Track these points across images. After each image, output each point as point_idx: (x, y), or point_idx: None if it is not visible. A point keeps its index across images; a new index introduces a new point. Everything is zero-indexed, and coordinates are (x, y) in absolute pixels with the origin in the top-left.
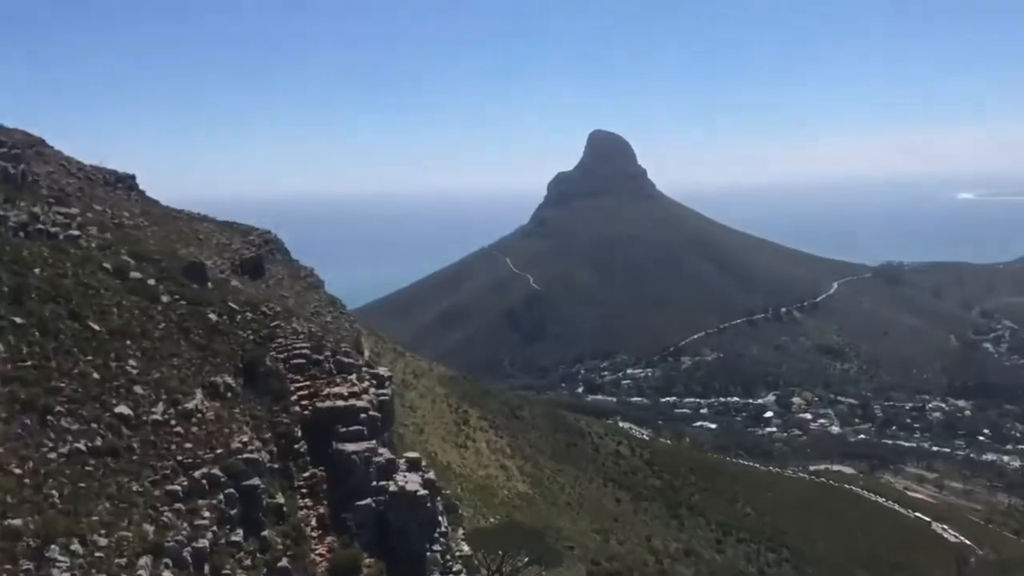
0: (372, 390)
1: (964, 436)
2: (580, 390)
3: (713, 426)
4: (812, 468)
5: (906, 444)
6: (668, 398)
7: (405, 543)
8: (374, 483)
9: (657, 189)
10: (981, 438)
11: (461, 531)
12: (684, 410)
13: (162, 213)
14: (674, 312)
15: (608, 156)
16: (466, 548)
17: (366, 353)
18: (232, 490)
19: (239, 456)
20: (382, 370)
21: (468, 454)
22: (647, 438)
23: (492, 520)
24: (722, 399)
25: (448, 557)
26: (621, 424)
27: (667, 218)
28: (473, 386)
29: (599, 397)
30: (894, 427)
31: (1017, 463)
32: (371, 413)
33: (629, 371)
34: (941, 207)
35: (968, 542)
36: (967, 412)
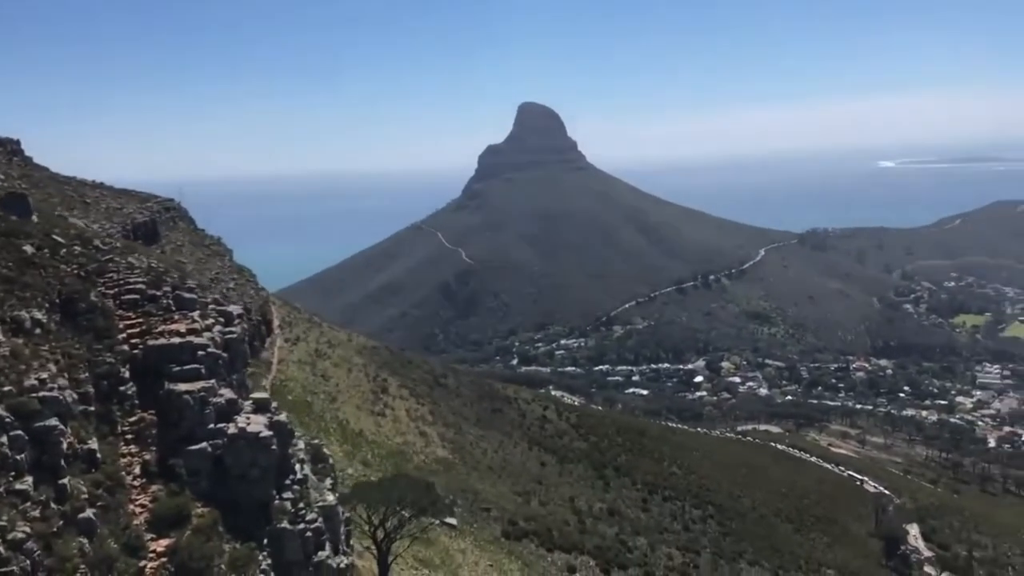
0: (218, 328)
1: (886, 394)
2: (514, 362)
3: (645, 392)
4: (740, 428)
5: (831, 403)
6: (601, 367)
7: (245, 490)
8: (211, 426)
9: (588, 161)
10: (902, 395)
11: (329, 481)
12: (617, 378)
13: (47, 178)
14: (606, 282)
15: (538, 128)
16: (331, 498)
17: (275, 320)
18: (20, 432)
19: (33, 395)
20: (233, 307)
21: (385, 422)
22: (577, 405)
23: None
24: (653, 366)
25: (302, 506)
26: (554, 393)
27: (599, 190)
28: (395, 356)
29: (533, 368)
30: (820, 387)
31: (934, 417)
32: (212, 351)
33: (563, 342)
34: (863, 175)
35: (887, 492)
36: (888, 371)
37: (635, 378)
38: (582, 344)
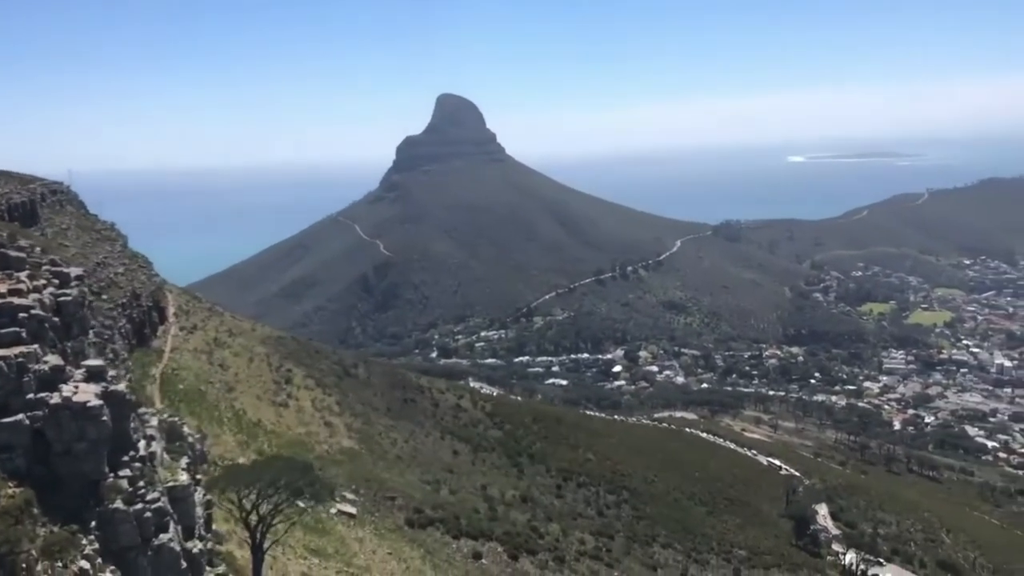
0: (50, 290)
1: (797, 380)
2: (434, 355)
3: (564, 382)
4: (656, 415)
5: (745, 390)
6: (521, 358)
7: (71, 467)
8: (31, 395)
9: (507, 154)
10: (812, 381)
11: (185, 460)
12: (537, 368)
13: None
14: (526, 274)
15: (457, 120)
16: (183, 478)
17: (170, 308)
18: None
19: None
20: (73, 269)
21: (287, 412)
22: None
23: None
24: (573, 356)
25: (143, 485)
26: (473, 385)
27: (518, 182)
28: (302, 346)
29: (453, 360)
30: (734, 375)
31: (843, 402)
32: (37, 313)
33: (483, 333)
34: (774, 170)
35: (798, 474)
36: (800, 358)
37: (555, 368)
38: (502, 336)
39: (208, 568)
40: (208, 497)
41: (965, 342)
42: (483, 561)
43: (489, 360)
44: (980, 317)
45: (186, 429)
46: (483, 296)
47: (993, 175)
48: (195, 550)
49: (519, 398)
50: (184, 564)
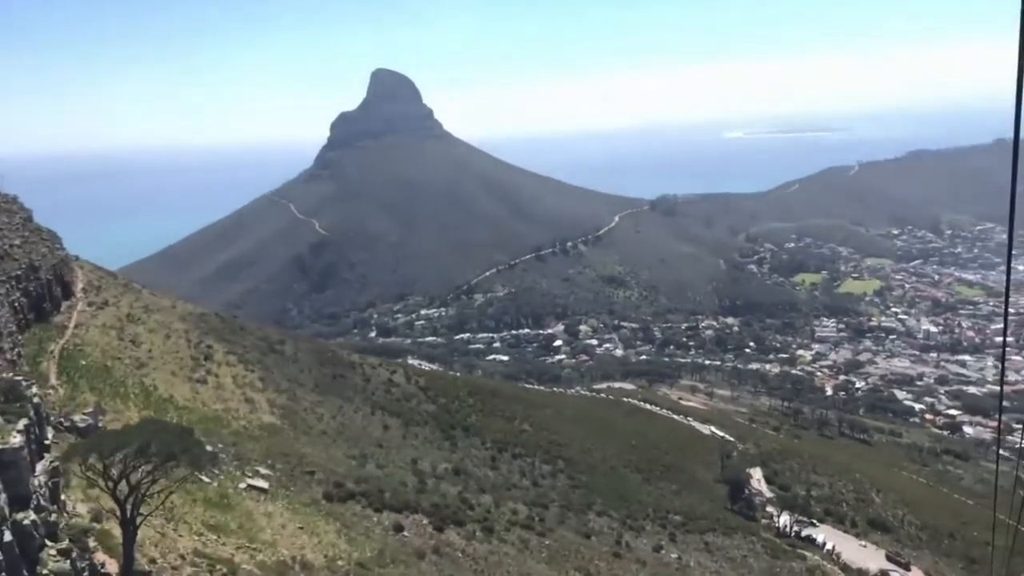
0: None
1: (733, 350)
2: (373, 334)
3: (505, 358)
4: (595, 387)
5: (682, 360)
6: (462, 335)
7: None
8: None
9: (445, 129)
10: (747, 350)
11: (23, 422)
12: (478, 345)
13: None
14: (466, 251)
15: (393, 95)
16: (16, 440)
17: (78, 284)
18: None
19: None
20: None
21: (205, 389)
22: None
23: None
24: (514, 332)
25: None
26: (411, 362)
27: (457, 158)
28: (225, 323)
29: (392, 339)
30: (672, 346)
31: (777, 370)
32: None
33: (423, 312)
34: (711, 145)
35: (732, 439)
36: (735, 328)
37: (496, 345)
38: (443, 313)
39: (49, 542)
40: (55, 464)
41: (893, 309)
42: (405, 533)
43: (429, 338)
44: (907, 285)
45: (34, 390)
46: (423, 274)
47: (920, 147)
48: (26, 522)
49: (457, 374)
50: (9, 537)
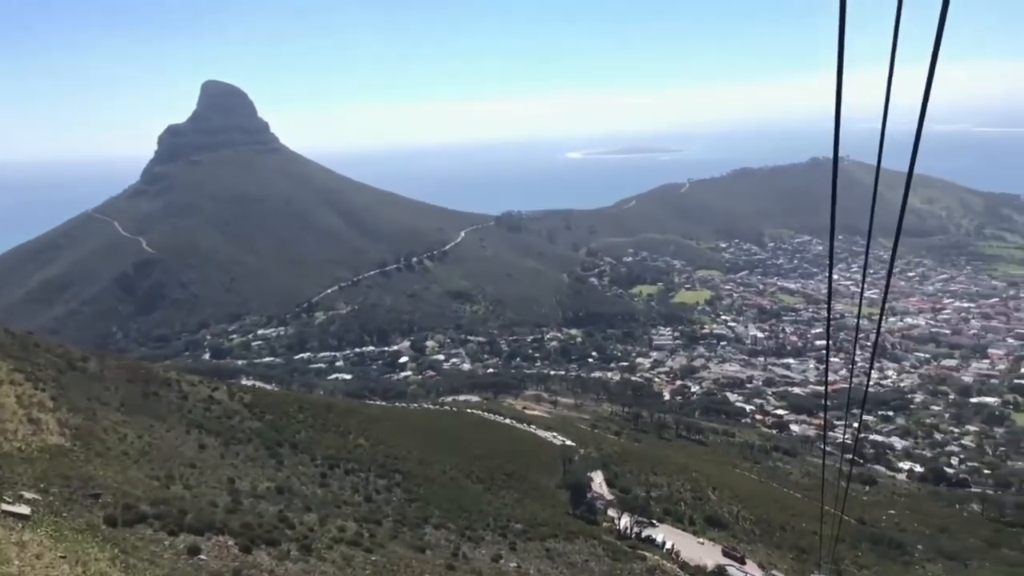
0: None
1: (576, 359)
2: (206, 356)
3: (348, 377)
4: (440, 400)
5: (528, 371)
6: (302, 354)
7: None
8: None
9: (282, 143)
10: (590, 360)
11: None
12: (319, 365)
13: None
14: (306, 268)
15: (225, 108)
16: None
17: None
18: None
19: None
20: None
21: None
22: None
23: None
24: (358, 350)
25: None
26: (245, 383)
27: (295, 173)
28: (16, 338)
29: (226, 361)
30: (518, 358)
31: (618, 377)
32: None
33: (260, 332)
34: (553, 165)
35: (573, 444)
36: (578, 339)
37: (339, 363)
38: (282, 333)
39: None
40: None
41: (723, 317)
42: (202, 556)
43: (267, 359)
44: (735, 294)
45: None
46: (260, 292)
47: (744, 166)
48: None
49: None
50: None
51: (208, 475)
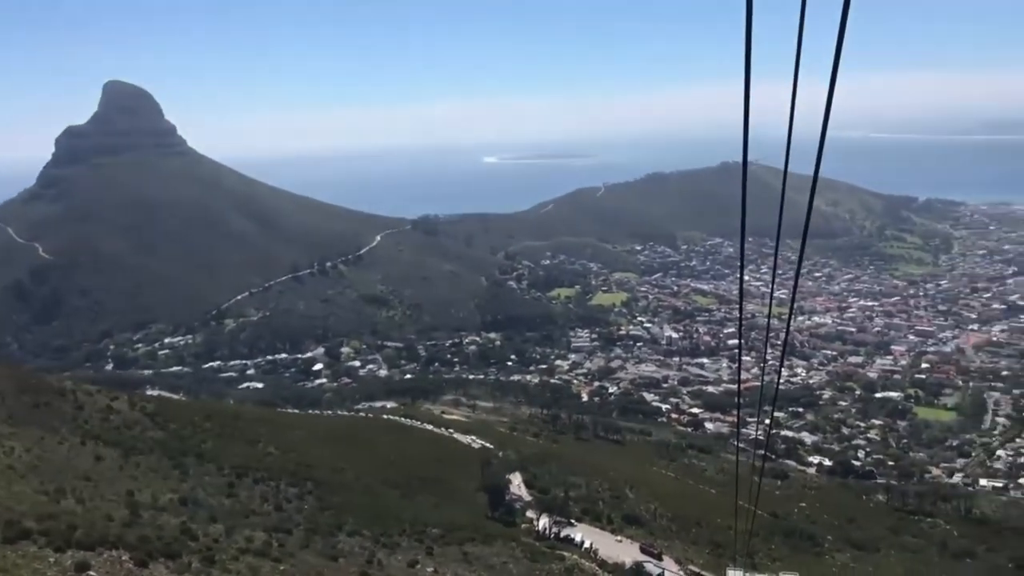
0: None
1: (495, 363)
2: (109, 367)
3: (260, 385)
4: (356, 407)
5: (447, 376)
6: (212, 363)
7: None
8: None
9: (190, 146)
10: (509, 363)
11: None
12: (230, 373)
13: None
14: (216, 274)
15: (129, 109)
16: None
17: None
18: None
19: None
20: None
21: None
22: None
23: None
24: (270, 357)
25: None
26: (151, 394)
27: (204, 176)
28: None
29: (131, 371)
30: (437, 363)
31: (537, 380)
32: None
33: (167, 340)
34: (471, 169)
35: (492, 447)
36: (498, 342)
37: (250, 372)
38: (190, 341)
39: None
40: None
41: (640, 319)
42: (91, 573)
43: (175, 368)
44: (651, 296)
45: None
46: (166, 299)
47: (656, 170)
48: None
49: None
50: None
51: (104, 488)
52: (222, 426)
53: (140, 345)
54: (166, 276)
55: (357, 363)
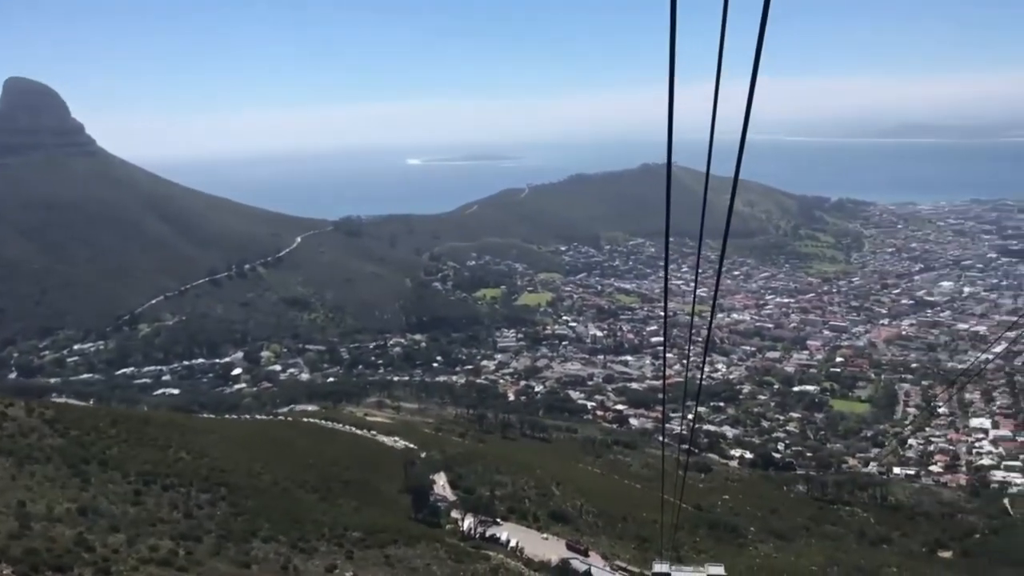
0: None
1: (421, 365)
2: (13, 375)
3: (176, 391)
4: (276, 411)
5: (372, 378)
6: (125, 369)
7: None
8: None
9: (100, 146)
10: (435, 364)
11: None
12: (144, 380)
13: None
14: (128, 278)
15: (32, 107)
16: None
17: None
18: None
19: None
20: None
21: None
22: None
23: None
24: (186, 363)
25: None
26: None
27: (114, 177)
28: None
29: (37, 379)
30: (360, 366)
31: (463, 380)
32: None
33: (76, 347)
34: (394, 171)
35: (415, 448)
36: (423, 344)
37: (166, 378)
38: (101, 347)
39: None
40: None
41: (565, 318)
42: None
43: (85, 375)
44: (576, 296)
45: None
46: (75, 305)
47: (580, 172)
48: None
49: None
50: None
51: None
52: (129, 432)
53: (47, 352)
54: (75, 280)
55: (278, 367)
